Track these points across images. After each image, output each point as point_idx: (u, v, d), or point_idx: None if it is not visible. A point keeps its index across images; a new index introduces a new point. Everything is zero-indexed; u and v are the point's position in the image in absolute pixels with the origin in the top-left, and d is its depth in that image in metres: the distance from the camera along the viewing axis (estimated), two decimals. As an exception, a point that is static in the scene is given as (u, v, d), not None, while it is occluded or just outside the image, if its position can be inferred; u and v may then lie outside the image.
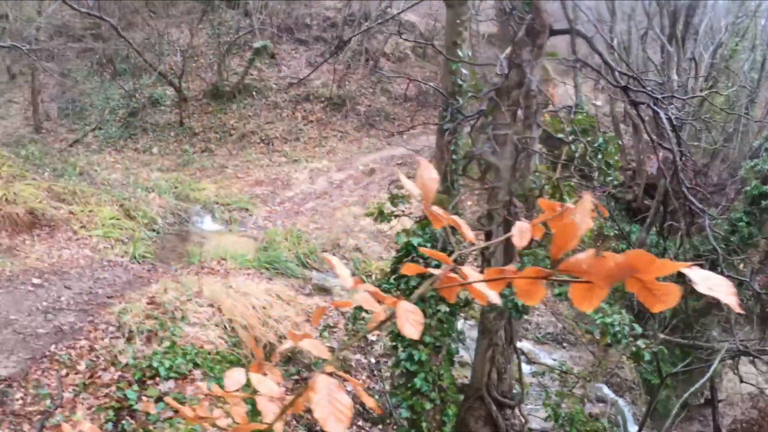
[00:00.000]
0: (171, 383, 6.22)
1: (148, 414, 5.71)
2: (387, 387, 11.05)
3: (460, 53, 9.74)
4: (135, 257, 13.08)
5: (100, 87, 26.65)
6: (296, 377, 10.59)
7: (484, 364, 8.39)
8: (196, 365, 6.72)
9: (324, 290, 13.24)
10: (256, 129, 23.73)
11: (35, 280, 10.76)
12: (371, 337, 12.60)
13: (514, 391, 8.40)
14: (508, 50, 7.49)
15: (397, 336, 7.73)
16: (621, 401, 13.93)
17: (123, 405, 5.91)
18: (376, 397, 10.94)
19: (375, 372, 12.12)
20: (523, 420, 8.52)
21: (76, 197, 15.23)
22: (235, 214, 17.30)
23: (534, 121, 7.57)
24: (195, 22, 26.67)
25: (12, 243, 12.90)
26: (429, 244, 7.58)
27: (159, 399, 5.95)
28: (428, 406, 7.66)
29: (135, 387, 6.18)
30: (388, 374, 11.58)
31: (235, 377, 1.87)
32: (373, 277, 14.93)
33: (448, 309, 8.00)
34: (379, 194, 19.09)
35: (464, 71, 9.79)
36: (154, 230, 15.39)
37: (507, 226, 7.21)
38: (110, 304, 9.69)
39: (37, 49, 23.11)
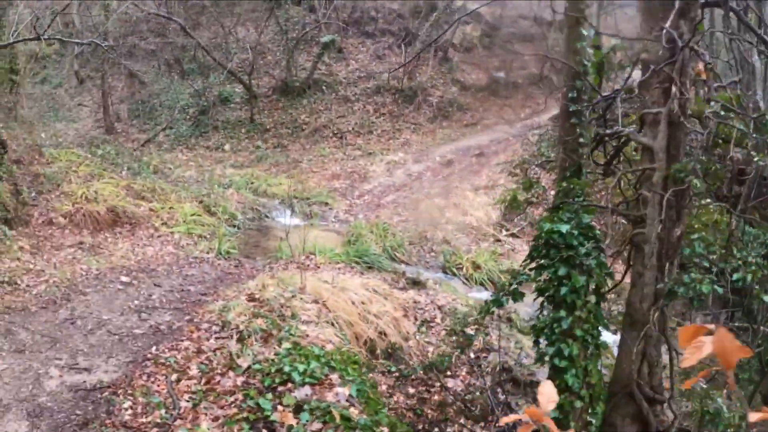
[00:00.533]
0: (307, 389, 5.25)
1: (290, 427, 4.72)
2: (488, 383, 10.04)
3: (583, 31, 8.62)
4: (221, 253, 12.25)
5: (168, 87, 26.17)
6: (396, 374, 9.63)
7: (633, 358, 7.24)
8: (331, 368, 5.73)
9: (418, 284, 12.20)
10: (328, 123, 22.86)
11: (124, 278, 9.99)
12: (470, 331, 11.50)
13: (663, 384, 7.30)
14: (661, 23, 6.36)
15: (541, 330, 6.68)
16: None
17: (258, 416, 4.94)
18: (477, 393, 9.92)
19: (475, 368, 11.03)
20: (672, 415, 7.35)
21: (155, 194, 14.54)
22: (315, 208, 16.40)
23: (688, 98, 6.45)
24: (262, 20, 25.99)
25: (95, 241, 12.22)
26: (577, 231, 6.49)
27: (298, 408, 4.96)
28: (578, 404, 6.66)
29: (268, 395, 5.20)
30: (488, 370, 10.55)
31: (547, 392, 1.86)
32: (465, 270, 13.87)
33: (595, 299, 6.96)
34: (461, 185, 18.03)
35: (588, 50, 8.69)
36: (234, 226, 14.59)
37: (662, 210, 6.08)
38: (206, 302, 8.82)
39: (107, 50, 22.65)
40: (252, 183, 18.13)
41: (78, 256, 11.19)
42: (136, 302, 8.83)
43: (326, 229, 15.19)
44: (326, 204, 16.68)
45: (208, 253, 12.21)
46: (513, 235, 16.27)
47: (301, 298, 8.22)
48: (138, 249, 12.17)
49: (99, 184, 14.12)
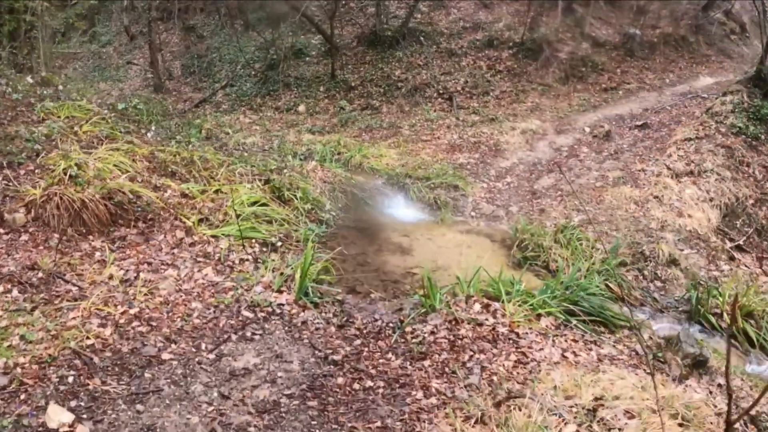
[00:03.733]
0: None
1: None
2: None
3: None
4: (304, 295, 5.63)
5: (230, 39, 19.65)
6: None
7: None
8: None
9: (699, 365, 5.46)
10: (431, 81, 16.00)
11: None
12: None
13: None
14: None
15: None
16: None
17: None
18: None
19: None
20: None
21: (194, 169, 8.01)
22: (441, 193, 9.62)
23: None
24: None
25: (61, 262, 5.77)
26: None
27: None
28: None
29: None
30: None
31: None
32: (725, 317, 7.02)
33: None
34: (645, 167, 11.04)
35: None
36: (322, 221, 7.95)
37: None
38: None
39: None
40: (339, 153, 11.50)
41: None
42: None
43: (467, 229, 8.41)
44: (455, 188, 9.88)
45: (279, 291, 5.59)
46: (739, 247, 9.33)
47: None
48: (139, 284, 5.65)
49: (103, 152, 7.67)
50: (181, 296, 5.52)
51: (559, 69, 16.98)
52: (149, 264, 6.21)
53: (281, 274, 5.87)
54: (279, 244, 6.84)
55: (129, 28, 22.56)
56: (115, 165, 7.52)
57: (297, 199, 7.87)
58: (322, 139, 12.58)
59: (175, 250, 6.53)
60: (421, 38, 17.59)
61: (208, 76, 18.64)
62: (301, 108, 15.87)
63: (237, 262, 6.36)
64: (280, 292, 5.57)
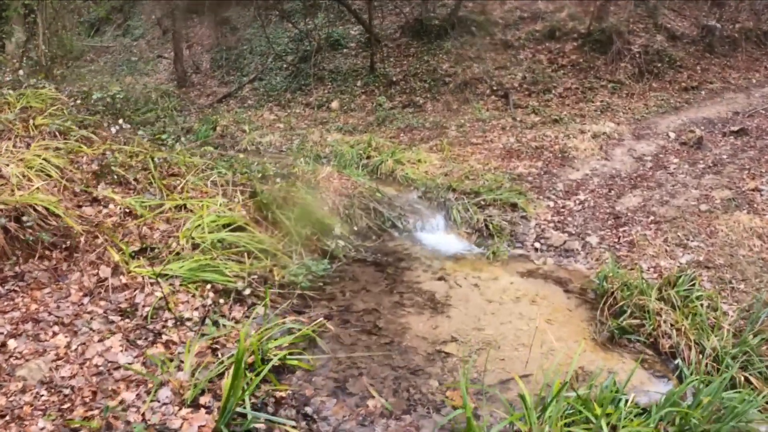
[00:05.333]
0: None
1: None
2: None
3: None
4: (233, 418, 3.11)
5: (262, 31, 17.38)
6: None
7: None
8: None
9: None
10: (483, 76, 13.33)
11: None
12: None
13: None
14: None
15: None
16: None
17: None
18: None
19: None
20: None
21: (152, 176, 5.63)
22: (494, 214, 6.98)
23: None
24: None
25: None
26: None
27: None
28: None
29: None
30: None
31: None
32: None
33: None
34: (760, 184, 8.19)
35: None
36: (326, 252, 5.45)
37: None
38: None
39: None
40: (368, 157, 8.99)
41: None
42: None
43: (530, 269, 5.76)
44: (513, 207, 7.21)
45: (194, 406, 3.11)
46: None
47: None
48: (23, 360, 3.26)
49: (34, 151, 5.39)
50: (40, 396, 3.10)
51: (631, 64, 14.11)
52: (36, 322, 3.83)
53: (220, 362, 3.39)
54: (247, 292, 4.37)
55: (162, 21, 20.58)
56: (42, 170, 5.21)
57: (290, 220, 5.37)
58: (350, 140, 10.10)
59: (86, 300, 4.13)
60: (473, 28, 14.94)
61: (237, 69, 16.41)
62: (334, 104, 13.43)
63: (170, 325, 3.92)
64: (195, 407, 3.08)
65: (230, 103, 14.53)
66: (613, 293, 4.93)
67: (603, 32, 14.41)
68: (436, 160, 8.79)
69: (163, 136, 6.69)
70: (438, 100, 12.72)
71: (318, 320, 4.16)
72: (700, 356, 4.26)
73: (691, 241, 6.37)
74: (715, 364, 4.36)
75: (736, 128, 11.14)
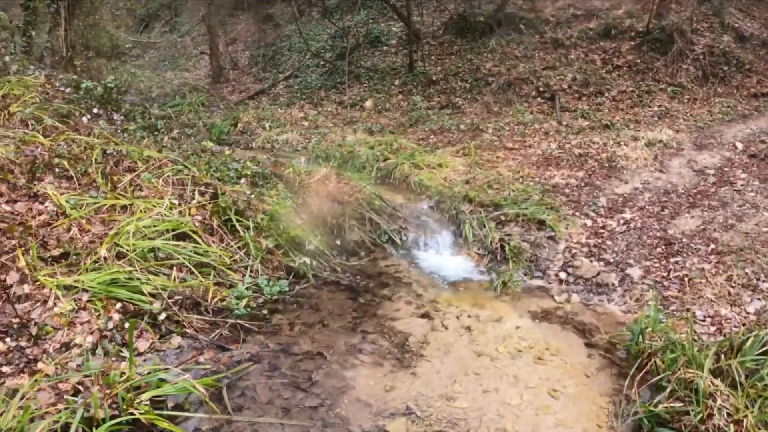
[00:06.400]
0: None
1: None
2: None
3: None
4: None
5: (303, 28, 16.49)
6: None
7: None
8: None
9: None
10: (530, 76, 12.01)
11: None
12: None
13: None
14: None
15: None
16: None
17: None
18: None
19: None
20: None
21: (98, 170, 4.66)
22: (514, 232, 5.73)
23: None
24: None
25: None
26: None
27: None
28: None
29: None
30: None
31: None
32: None
33: None
34: None
35: None
36: (291, 270, 4.37)
37: None
38: None
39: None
40: (387, 159, 7.88)
41: None
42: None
43: (546, 308, 4.51)
44: (540, 224, 5.93)
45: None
46: None
47: None
48: None
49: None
50: None
51: (694, 66, 12.52)
52: None
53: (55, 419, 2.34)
54: (162, 316, 3.34)
55: (206, 18, 20.05)
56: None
57: (249, 230, 4.31)
58: (372, 140, 9.01)
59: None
60: (521, 26, 13.65)
61: (274, 65, 15.57)
62: (368, 103, 12.37)
63: (52, 351, 2.91)
64: None
65: (262, 99, 13.67)
66: (650, 356, 3.63)
67: (663, 31, 12.89)
68: (460, 165, 7.60)
69: (131, 127, 5.74)
70: (478, 101, 11.50)
71: (241, 366, 3.09)
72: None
73: (764, 281, 4.99)
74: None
75: (817, 140, 9.52)
